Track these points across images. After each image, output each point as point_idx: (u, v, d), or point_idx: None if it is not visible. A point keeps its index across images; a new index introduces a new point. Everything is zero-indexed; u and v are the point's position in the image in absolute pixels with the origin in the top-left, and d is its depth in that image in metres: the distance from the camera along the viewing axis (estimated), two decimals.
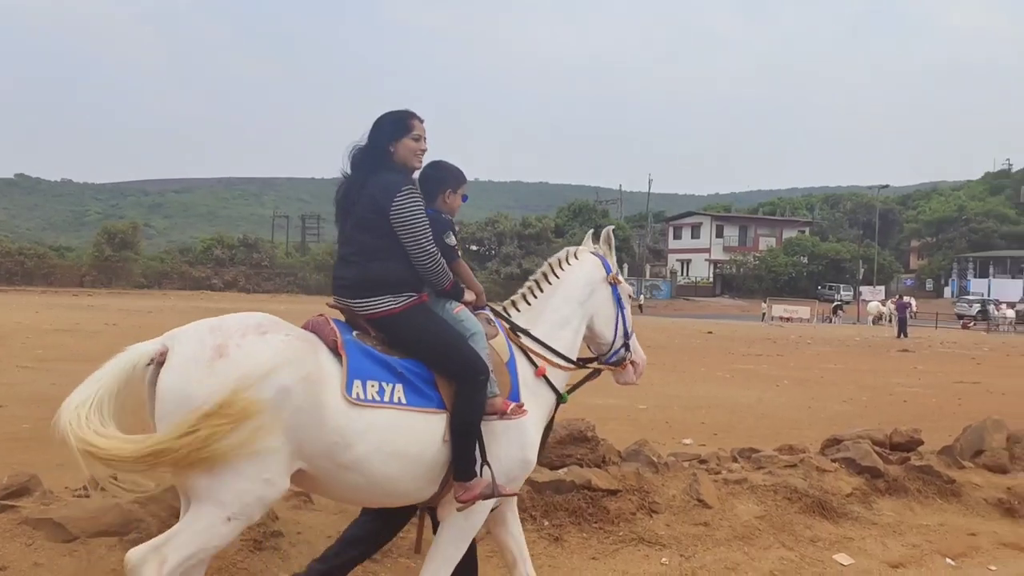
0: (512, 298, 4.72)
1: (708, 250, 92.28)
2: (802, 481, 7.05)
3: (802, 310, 62.32)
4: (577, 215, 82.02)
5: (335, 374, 3.73)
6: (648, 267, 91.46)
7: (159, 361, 3.51)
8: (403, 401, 3.86)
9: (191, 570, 3.53)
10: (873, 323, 57.71)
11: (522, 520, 5.94)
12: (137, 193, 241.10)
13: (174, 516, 5.35)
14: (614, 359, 4.85)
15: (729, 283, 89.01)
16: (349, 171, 4.17)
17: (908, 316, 46.31)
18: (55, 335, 22.80)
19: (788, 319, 59.31)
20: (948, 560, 6.38)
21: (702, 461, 7.56)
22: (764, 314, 60.11)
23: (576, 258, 4.81)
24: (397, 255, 4.03)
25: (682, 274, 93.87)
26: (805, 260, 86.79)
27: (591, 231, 5.09)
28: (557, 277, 4.71)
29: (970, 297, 78.25)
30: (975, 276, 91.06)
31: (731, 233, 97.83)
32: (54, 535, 4.82)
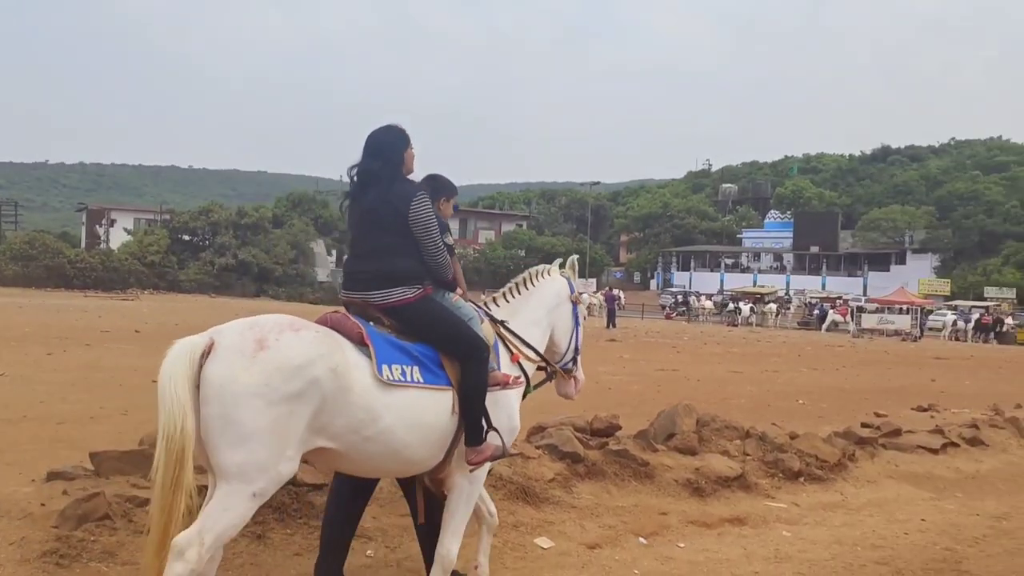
0: (493, 295, 5.49)
1: None
2: (507, 468, 7.17)
3: None
4: (296, 205, 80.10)
5: (360, 362, 4.25)
6: None
7: (206, 353, 3.89)
8: (420, 380, 4.46)
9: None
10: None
11: None
12: None
13: None
14: (564, 367, 5.63)
15: None
16: (362, 183, 4.75)
17: (616, 307, 48.61)
18: None
19: None
20: (640, 539, 6.69)
21: None
22: None
23: (549, 274, 5.66)
24: (409, 252, 4.66)
25: None
26: (523, 253, 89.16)
27: (559, 260, 5.87)
28: (534, 285, 5.53)
29: (673, 289, 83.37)
30: (678, 269, 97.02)
31: (452, 226, 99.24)
32: None
